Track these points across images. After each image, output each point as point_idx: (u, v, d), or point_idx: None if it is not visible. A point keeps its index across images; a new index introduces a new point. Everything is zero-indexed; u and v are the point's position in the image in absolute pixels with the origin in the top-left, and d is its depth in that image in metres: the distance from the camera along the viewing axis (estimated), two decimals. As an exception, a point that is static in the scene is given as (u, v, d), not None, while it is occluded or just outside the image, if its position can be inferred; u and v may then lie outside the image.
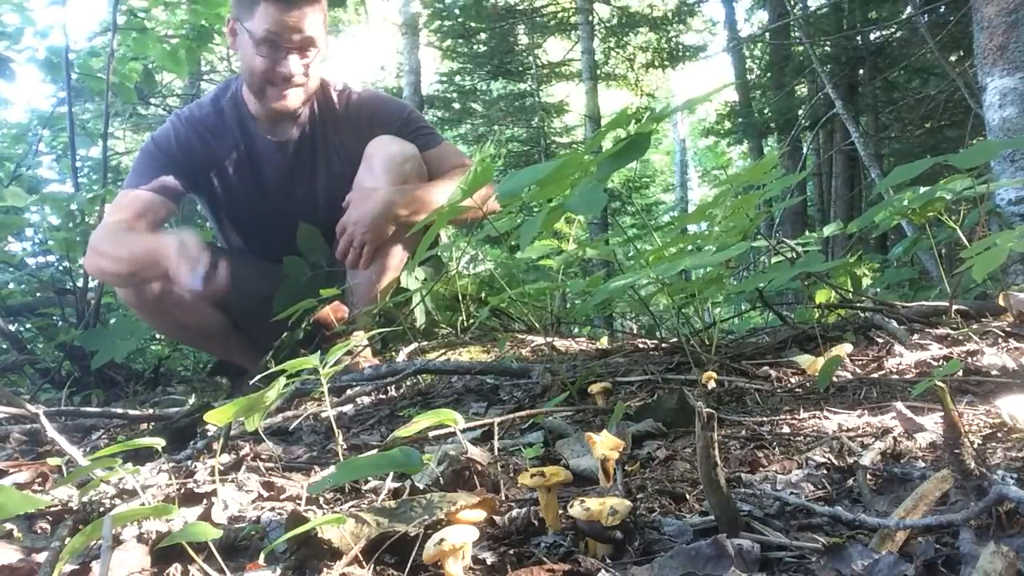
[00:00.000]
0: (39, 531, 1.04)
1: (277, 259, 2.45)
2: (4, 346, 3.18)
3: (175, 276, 2.04)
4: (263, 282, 2.45)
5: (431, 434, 1.33)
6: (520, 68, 11.23)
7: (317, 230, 2.44)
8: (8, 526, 1.00)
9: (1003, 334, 1.59)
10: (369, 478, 1.12)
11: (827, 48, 8.42)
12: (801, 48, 8.45)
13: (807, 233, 2.47)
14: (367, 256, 2.27)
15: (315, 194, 2.50)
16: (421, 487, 1.04)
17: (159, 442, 1.08)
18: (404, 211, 2.26)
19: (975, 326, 1.67)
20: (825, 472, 1.00)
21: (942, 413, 0.79)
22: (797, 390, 1.45)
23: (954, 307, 1.79)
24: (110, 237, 2.27)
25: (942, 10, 6.57)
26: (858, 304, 2.05)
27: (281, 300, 2.28)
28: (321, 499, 1.07)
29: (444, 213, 1.66)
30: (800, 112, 8.78)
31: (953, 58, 6.83)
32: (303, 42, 2.25)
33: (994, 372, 1.37)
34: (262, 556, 0.85)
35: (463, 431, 1.16)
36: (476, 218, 2.32)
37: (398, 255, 2.37)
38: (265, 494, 1.12)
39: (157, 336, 3.80)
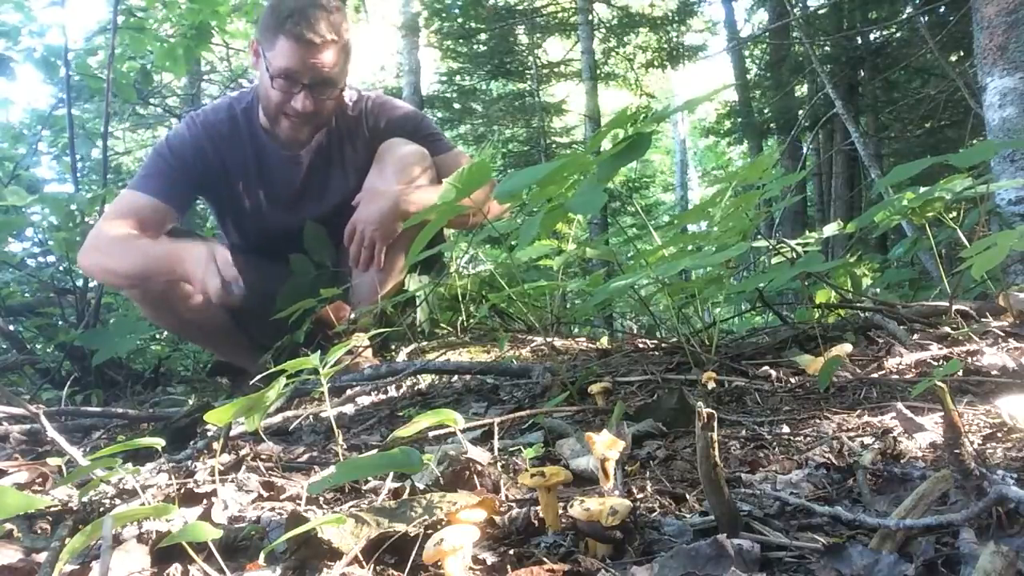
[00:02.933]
0: (39, 531, 1.04)
1: (281, 262, 2.45)
2: (4, 346, 3.18)
3: (204, 287, 2.04)
4: (266, 281, 2.45)
5: (431, 434, 1.33)
6: (520, 68, 11.21)
7: (323, 229, 2.43)
8: (8, 526, 1.00)
9: (1003, 334, 1.59)
10: (369, 478, 1.12)
11: (827, 48, 8.42)
12: (801, 48, 8.44)
13: (807, 233, 2.46)
14: (378, 255, 2.26)
15: (326, 206, 2.49)
16: (421, 487, 1.04)
17: (159, 442, 1.08)
18: (413, 210, 2.25)
19: (975, 326, 1.67)
20: (825, 472, 1.00)
21: (942, 413, 0.80)
22: (797, 390, 1.45)
23: (954, 307, 1.79)
24: (120, 243, 2.23)
25: (942, 10, 6.57)
26: (858, 304, 2.05)
27: (285, 299, 2.28)
28: (321, 499, 1.07)
29: (442, 212, 1.66)
30: (800, 112, 8.76)
31: (953, 58, 6.82)
32: (319, 81, 2.24)
33: (994, 372, 1.37)
34: (262, 556, 0.85)
35: (463, 431, 1.16)
36: (476, 222, 2.32)
37: (403, 257, 2.36)
38: (265, 494, 1.12)
39: (157, 336, 3.80)
